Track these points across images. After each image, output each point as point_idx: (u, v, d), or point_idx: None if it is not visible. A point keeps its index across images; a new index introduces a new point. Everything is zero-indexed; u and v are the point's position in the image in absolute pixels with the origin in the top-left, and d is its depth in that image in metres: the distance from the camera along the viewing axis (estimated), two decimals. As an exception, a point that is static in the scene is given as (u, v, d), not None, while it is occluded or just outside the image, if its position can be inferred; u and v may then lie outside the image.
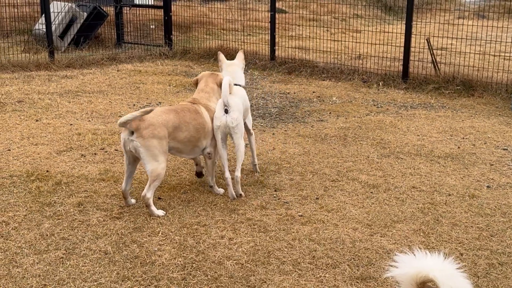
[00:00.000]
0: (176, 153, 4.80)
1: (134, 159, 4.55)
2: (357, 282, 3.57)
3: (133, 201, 4.66)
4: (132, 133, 4.38)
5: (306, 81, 9.78)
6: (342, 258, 3.84)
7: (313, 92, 8.98)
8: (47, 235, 4.09)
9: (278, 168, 5.53)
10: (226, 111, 4.74)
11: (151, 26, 13.38)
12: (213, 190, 4.94)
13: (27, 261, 3.74)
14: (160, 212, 4.47)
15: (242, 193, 4.84)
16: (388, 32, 10.73)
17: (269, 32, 11.06)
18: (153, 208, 4.45)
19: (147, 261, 3.76)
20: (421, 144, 6.35)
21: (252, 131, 5.36)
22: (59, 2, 11.81)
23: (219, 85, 4.99)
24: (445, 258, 2.30)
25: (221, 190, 4.93)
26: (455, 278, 2.23)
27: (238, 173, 4.80)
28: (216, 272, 3.65)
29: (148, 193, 4.41)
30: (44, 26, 10.81)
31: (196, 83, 5.19)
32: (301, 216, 4.49)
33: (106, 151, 5.87)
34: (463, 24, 10.04)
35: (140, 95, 8.46)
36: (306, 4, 14.56)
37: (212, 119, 4.81)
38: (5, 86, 8.73)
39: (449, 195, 4.95)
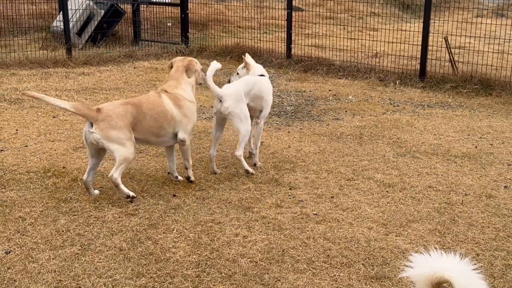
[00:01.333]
0: (143, 144, 5.01)
1: (98, 152, 4.65)
2: (372, 282, 3.55)
3: (96, 192, 4.75)
4: (92, 125, 4.48)
5: (322, 79, 9.75)
6: (357, 257, 3.82)
7: (329, 90, 8.94)
8: (63, 231, 4.12)
9: (293, 167, 5.52)
10: (220, 100, 5.16)
11: (168, 24, 13.42)
12: (187, 172, 5.06)
13: (43, 257, 3.76)
14: (131, 193, 4.58)
15: (250, 170, 5.26)
16: (405, 31, 10.65)
17: (286, 30, 11.04)
18: (122, 187, 4.57)
19: (162, 258, 3.77)
20: (438, 143, 6.29)
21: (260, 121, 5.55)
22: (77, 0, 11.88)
23: (185, 69, 5.11)
24: (461, 258, 2.27)
25: (192, 179, 5.08)
26: (472, 278, 2.21)
27: (238, 152, 5.20)
28: (230, 269, 3.65)
29: (115, 174, 4.52)
30: (62, 23, 10.88)
31: (170, 67, 5.28)
32: (316, 214, 4.47)
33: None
34: (481, 23, 9.92)
35: (156, 93, 8.48)
36: (323, 2, 14.52)
37: (178, 107, 4.92)
38: (23, 82, 8.80)
39: (466, 195, 4.90)
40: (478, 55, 9.65)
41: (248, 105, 5.30)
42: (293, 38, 11.06)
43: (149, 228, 4.19)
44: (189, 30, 12.32)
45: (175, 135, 4.92)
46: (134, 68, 10.37)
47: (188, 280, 3.53)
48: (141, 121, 4.70)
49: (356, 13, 15.27)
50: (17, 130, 6.45)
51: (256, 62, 11.35)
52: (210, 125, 6.81)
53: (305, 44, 11.21)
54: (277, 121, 7.20)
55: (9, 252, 3.81)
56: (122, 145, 4.51)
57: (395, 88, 9.12)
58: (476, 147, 6.19)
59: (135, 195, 4.62)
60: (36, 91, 8.22)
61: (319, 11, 14.20)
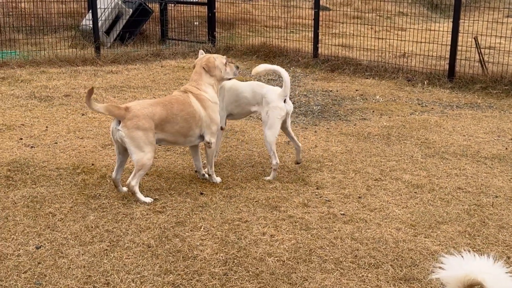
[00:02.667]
0: (170, 144, 4.99)
1: (124, 149, 4.66)
2: (400, 283, 3.51)
3: (124, 189, 4.78)
4: (119, 122, 4.51)
5: (349, 79, 9.70)
6: (385, 258, 3.79)
7: (356, 90, 8.89)
8: (92, 227, 4.16)
9: (320, 166, 5.50)
10: (284, 101, 5.12)
11: (195, 23, 13.48)
12: (210, 179, 5.05)
13: (73, 252, 3.81)
14: (147, 199, 4.59)
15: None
16: (433, 30, 10.53)
17: (313, 29, 11.00)
18: (139, 195, 4.59)
19: (189, 256, 3.79)
20: (467, 144, 6.22)
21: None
22: (105, -1, 12.01)
23: (204, 68, 4.95)
24: (494, 261, 2.24)
25: (218, 179, 5.07)
26: (505, 282, 2.18)
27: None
28: (257, 268, 3.65)
29: (133, 181, 4.56)
30: (90, 22, 11.00)
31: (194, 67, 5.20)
32: (343, 214, 4.45)
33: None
34: (512, 23, 9.79)
35: (183, 91, 8.52)
36: (350, 1, 14.44)
37: (204, 108, 4.86)
38: (53, 80, 8.92)
39: (496, 197, 4.83)
40: (509, 55, 9.50)
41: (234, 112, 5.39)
42: (320, 37, 11.02)
43: (177, 226, 4.21)
44: (216, 29, 12.36)
45: (201, 136, 4.94)
46: (162, 66, 10.44)
47: (215, 278, 3.54)
48: (171, 122, 4.71)
49: (383, 13, 15.15)
50: (47, 127, 6.54)
51: (283, 61, 11.36)
52: (236, 124, 6.82)
53: (332, 44, 11.16)
54: (303, 120, 7.18)
55: (40, 247, 3.86)
56: (141, 149, 4.53)
57: (423, 89, 9.03)
58: (506, 148, 6.09)
59: (152, 200, 4.62)
60: (66, 89, 8.34)
61: (346, 11, 14.13)
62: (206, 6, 12.37)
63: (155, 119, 4.61)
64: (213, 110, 4.93)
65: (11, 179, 4.99)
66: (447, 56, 9.41)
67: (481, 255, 2.32)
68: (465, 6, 10.73)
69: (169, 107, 4.72)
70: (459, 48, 9.36)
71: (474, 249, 3.91)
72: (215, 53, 11.57)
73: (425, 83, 9.24)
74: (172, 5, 13.28)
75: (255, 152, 5.90)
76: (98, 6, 11.00)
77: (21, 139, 6.08)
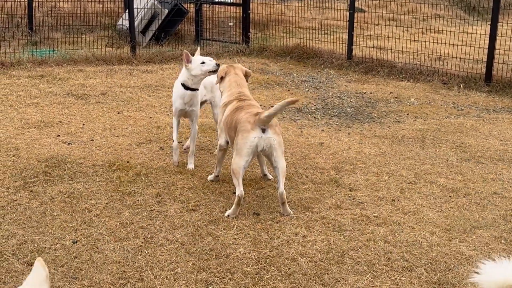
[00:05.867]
0: None
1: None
2: (434, 287, 3.48)
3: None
4: (263, 131, 4.41)
5: (383, 81, 9.62)
6: (419, 262, 3.76)
7: (391, 92, 8.82)
8: (127, 224, 4.23)
9: (353, 168, 5.48)
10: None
11: (230, 24, 13.54)
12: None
13: (108, 248, 3.87)
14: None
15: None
16: (470, 33, 10.38)
17: (347, 31, 10.94)
18: (287, 207, 4.45)
19: (222, 254, 3.82)
20: (504, 149, 6.11)
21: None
22: (141, -1, 12.15)
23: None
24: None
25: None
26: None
27: None
28: (289, 268, 3.66)
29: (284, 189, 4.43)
30: (127, 22, 11.14)
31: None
32: (377, 217, 4.43)
33: (183, 145, 5.99)
34: (552, 26, 9.59)
35: (217, 91, 8.56)
36: (386, 3, 14.33)
37: None
38: (90, 79, 9.06)
39: (534, 203, 4.74)
40: (548, 59, 9.31)
41: None
42: (354, 39, 10.96)
43: (210, 224, 4.25)
44: (250, 30, 12.39)
45: None
46: (196, 66, 10.48)
47: (248, 277, 3.56)
48: None
49: (419, 15, 14.98)
50: (83, 124, 6.65)
51: (317, 62, 11.28)
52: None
53: (367, 46, 11.09)
54: (337, 122, 7.15)
55: (76, 242, 3.94)
56: (283, 153, 4.54)
57: (459, 92, 8.91)
58: (544, 154, 5.98)
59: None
60: (102, 87, 8.47)
61: (381, 13, 14.03)
62: (241, 7, 12.41)
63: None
64: None
65: (48, 174, 5.09)
66: (484, 59, 9.26)
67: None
68: (503, 9, 10.54)
69: None
70: (496, 51, 9.20)
71: (511, 255, 3.84)
72: (248, 53, 11.66)
73: (461, 86, 9.11)
74: (207, 5, 13.37)
75: (288, 153, 5.90)
76: (134, 6, 11.14)
77: (59, 135, 6.20)
